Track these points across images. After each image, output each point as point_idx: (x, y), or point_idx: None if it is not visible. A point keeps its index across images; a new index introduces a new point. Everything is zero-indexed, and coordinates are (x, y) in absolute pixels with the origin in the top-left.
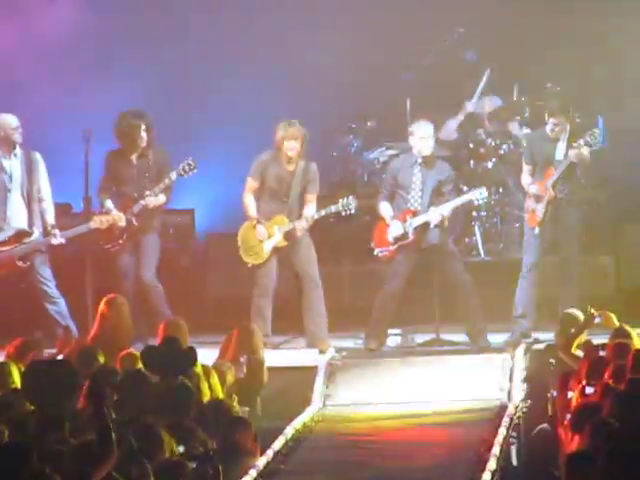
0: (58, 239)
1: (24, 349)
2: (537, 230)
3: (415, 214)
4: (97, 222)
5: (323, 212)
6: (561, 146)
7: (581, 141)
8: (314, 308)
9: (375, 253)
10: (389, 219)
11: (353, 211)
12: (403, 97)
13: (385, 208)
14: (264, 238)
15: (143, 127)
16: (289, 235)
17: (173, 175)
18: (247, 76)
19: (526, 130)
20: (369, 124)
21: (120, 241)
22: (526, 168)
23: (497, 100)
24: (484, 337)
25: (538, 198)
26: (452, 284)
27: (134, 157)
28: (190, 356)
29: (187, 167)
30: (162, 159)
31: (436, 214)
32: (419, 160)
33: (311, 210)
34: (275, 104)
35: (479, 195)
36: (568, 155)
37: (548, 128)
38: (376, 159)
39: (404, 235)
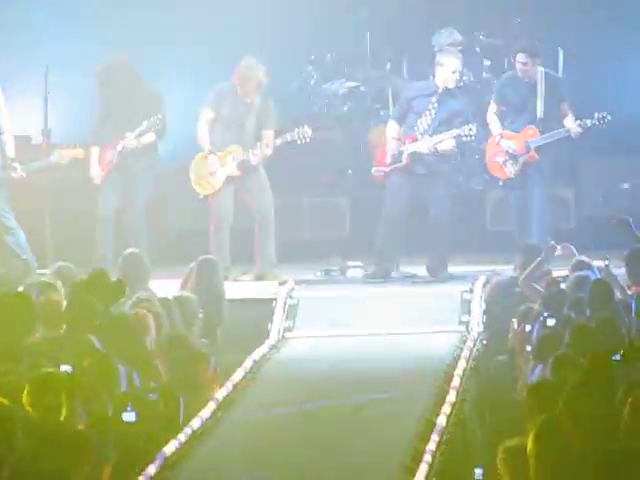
0: (19, 172)
1: None
2: (501, 182)
3: (414, 140)
4: (58, 157)
5: (279, 141)
6: (541, 96)
7: (588, 121)
8: (264, 240)
9: (372, 171)
10: (390, 140)
11: (308, 139)
12: (363, 29)
13: (392, 128)
14: (216, 168)
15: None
16: (243, 165)
17: (145, 124)
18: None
19: (486, 62)
20: (328, 55)
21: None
22: (493, 106)
23: (455, 33)
24: (445, 270)
25: (512, 156)
26: (430, 211)
27: (122, 94)
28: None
29: (159, 121)
30: (152, 96)
31: (426, 144)
32: (439, 90)
33: (267, 142)
34: (242, 37)
35: (468, 131)
36: (569, 129)
37: (518, 69)
38: (335, 91)
39: (399, 158)
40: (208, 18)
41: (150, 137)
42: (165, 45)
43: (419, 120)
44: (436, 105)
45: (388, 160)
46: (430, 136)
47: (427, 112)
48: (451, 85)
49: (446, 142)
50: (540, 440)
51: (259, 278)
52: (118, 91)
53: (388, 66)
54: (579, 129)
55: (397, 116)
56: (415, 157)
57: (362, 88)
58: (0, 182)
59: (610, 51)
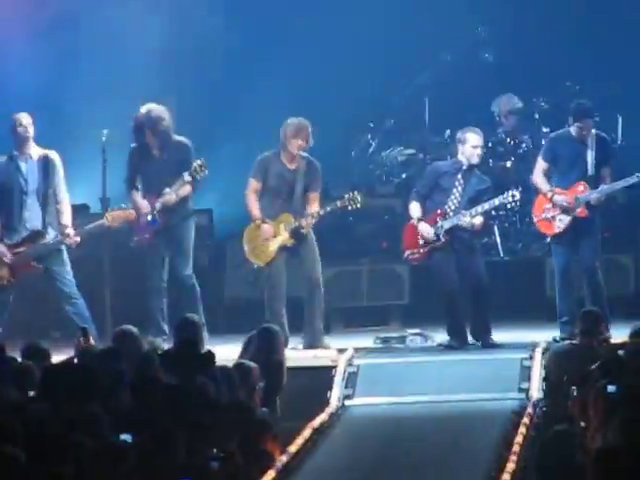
0: (73, 238)
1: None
2: (550, 239)
3: (445, 216)
4: (109, 219)
5: (329, 208)
6: (591, 155)
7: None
8: (313, 309)
9: (405, 255)
10: (417, 221)
11: (359, 205)
12: (420, 96)
13: (415, 208)
14: (270, 237)
15: (164, 122)
16: (295, 233)
17: (186, 176)
18: (265, 74)
19: (544, 129)
20: (387, 123)
21: (146, 235)
22: (542, 165)
23: (514, 98)
24: (489, 334)
25: (564, 209)
26: (471, 281)
27: (155, 151)
28: (208, 358)
29: (199, 168)
30: (185, 148)
31: (467, 218)
32: (464, 167)
33: (315, 207)
34: (293, 103)
35: (511, 198)
36: (618, 184)
37: (573, 130)
38: (394, 158)
39: (435, 238)
40: (271, 81)
41: (187, 189)
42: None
43: (448, 198)
44: (462, 182)
45: (423, 241)
46: (461, 212)
47: (455, 189)
48: (474, 161)
49: (478, 217)
50: None
51: (308, 347)
52: (149, 145)
53: (447, 132)
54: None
55: (421, 195)
56: (451, 233)
57: (421, 155)
58: (56, 248)
59: None
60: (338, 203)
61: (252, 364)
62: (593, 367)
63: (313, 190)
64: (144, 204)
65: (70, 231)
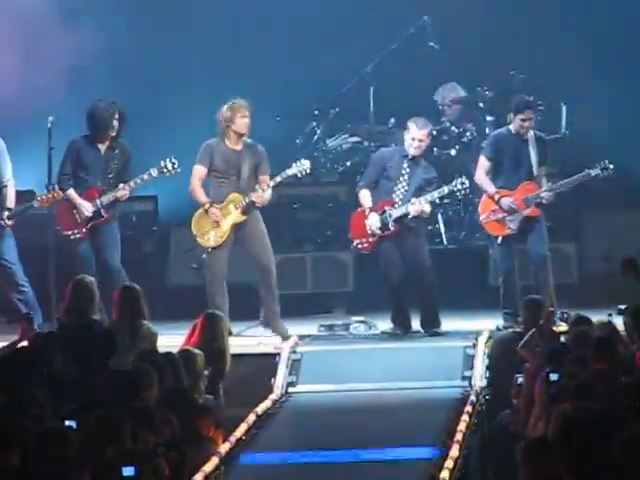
0: (6, 222)
1: None
2: (500, 240)
3: (393, 205)
4: (39, 201)
5: (279, 178)
6: (533, 153)
7: (592, 171)
8: (268, 295)
9: (354, 245)
10: (368, 211)
11: (308, 171)
12: (366, 85)
13: (366, 197)
14: (219, 219)
15: (116, 116)
16: (246, 209)
17: (154, 172)
18: (213, 61)
19: (489, 118)
20: (332, 111)
21: (84, 230)
22: (485, 164)
23: (457, 87)
24: (438, 323)
25: (512, 211)
26: (415, 267)
27: (102, 146)
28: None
29: (170, 165)
30: (128, 151)
31: (416, 206)
32: (410, 156)
33: (264, 186)
34: (239, 89)
35: (460, 185)
36: (568, 182)
37: (513, 127)
38: (339, 146)
39: (384, 227)
40: (211, 73)
41: (124, 192)
42: (165, 99)
43: (396, 187)
44: (408, 170)
45: (372, 230)
46: (409, 200)
47: (401, 177)
48: (412, 152)
49: (426, 206)
50: None
51: (267, 326)
52: (102, 138)
53: (392, 121)
54: (588, 177)
55: (369, 183)
56: (400, 222)
57: (365, 143)
58: (5, 234)
59: (610, 101)
60: (288, 172)
61: (197, 351)
62: (536, 354)
63: (262, 173)
64: (85, 202)
65: (5, 213)
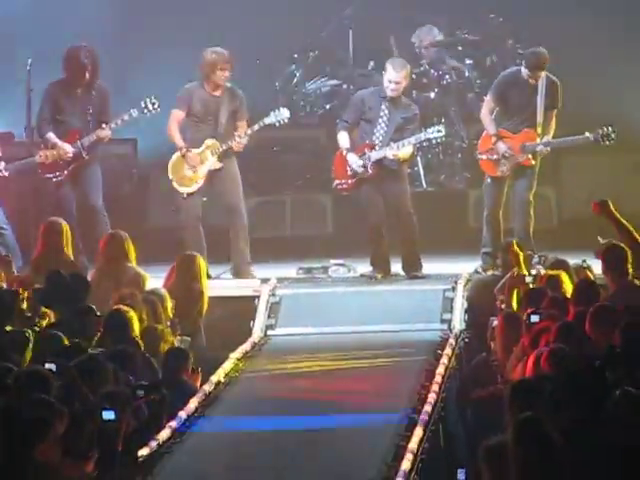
0: (2, 172)
1: None
2: (490, 179)
3: (373, 148)
4: (42, 157)
5: (256, 126)
6: (540, 100)
7: (591, 137)
8: (235, 238)
9: (334, 185)
10: (346, 151)
11: (286, 120)
12: (345, 28)
13: (344, 139)
14: (196, 164)
15: (89, 59)
16: (223, 155)
17: (135, 112)
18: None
19: (468, 61)
20: (311, 54)
21: (65, 172)
22: (491, 104)
23: (434, 30)
24: (419, 267)
25: (508, 156)
26: (396, 210)
27: (79, 89)
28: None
29: (151, 105)
30: (105, 93)
31: (394, 150)
32: (388, 96)
33: (242, 132)
34: (215, 35)
35: (437, 133)
36: (566, 140)
37: (524, 72)
38: (318, 89)
39: (363, 169)
40: (189, 18)
41: (107, 133)
42: (146, 44)
43: (375, 129)
44: (387, 112)
45: (351, 172)
46: (389, 143)
47: (380, 119)
48: (389, 94)
49: (406, 148)
50: (519, 438)
51: (235, 275)
52: (79, 81)
53: (371, 64)
54: (586, 141)
55: (348, 125)
56: (379, 165)
57: (345, 86)
58: None
59: (591, 50)
60: (265, 120)
61: (162, 290)
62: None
63: (240, 118)
64: (66, 144)
65: (1, 163)
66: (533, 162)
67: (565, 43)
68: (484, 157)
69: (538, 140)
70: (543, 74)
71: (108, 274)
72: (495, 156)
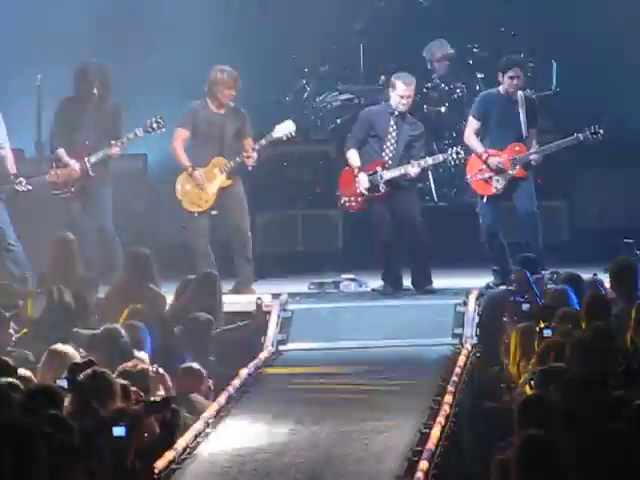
0: (24, 186)
1: None
2: (485, 199)
3: (384, 165)
4: (54, 175)
5: (263, 141)
6: (522, 114)
7: (581, 135)
8: (239, 259)
9: (342, 202)
10: (357, 170)
11: (293, 133)
12: (356, 42)
13: (354, 157)
14: (203, 183)
15: (97, 76)
16: (231, 173)
17: (140, 131)
18: (198, 19)
19: (479, 75)
20: (322, 69)
21: (72, 189)
22: (474, 124)
23: (445, 44)
24: (430, 281)
25: (499, 171)
26: (407, 225)
27: (89, 106)
28: None
29: (156, 125)
30: (117, 110)
31: (415, 169)
32: (396, 112)
33: (249, 149)
34: (229, 49)
35: (455, 155)
36: (557, 144)
37: (502, 88)
38: (329, 104)
39: (374, 188)
40: (198, 32)
41: (116, 149)
42: (151, 59)
43: (384, 145)
44: (396, 128)
45: (361, 190)
46: (400, 160)
47: (389, 135)
48: (400, 109)
49: (413, 168)
50: (524, 454)
51: (236, 293)
52: (90, 97)
53: (382, 78)
54: (577, 141)
55: (357, 141)
56: (391, 182)
57: (356, 100)
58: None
59: (601, 61)
60: (272, 134)
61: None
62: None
63: (246, 135)
64: (72, 161)
65: (21, 179)
66: (526, 172)
67: (577, 56)
68: (476, 178)
69: (526, 151)
70: (520, 93)
71: (129, 292)
72: (487, 174)
